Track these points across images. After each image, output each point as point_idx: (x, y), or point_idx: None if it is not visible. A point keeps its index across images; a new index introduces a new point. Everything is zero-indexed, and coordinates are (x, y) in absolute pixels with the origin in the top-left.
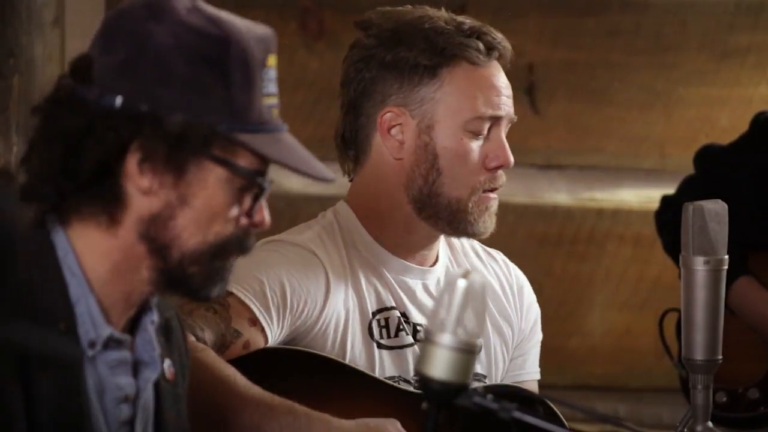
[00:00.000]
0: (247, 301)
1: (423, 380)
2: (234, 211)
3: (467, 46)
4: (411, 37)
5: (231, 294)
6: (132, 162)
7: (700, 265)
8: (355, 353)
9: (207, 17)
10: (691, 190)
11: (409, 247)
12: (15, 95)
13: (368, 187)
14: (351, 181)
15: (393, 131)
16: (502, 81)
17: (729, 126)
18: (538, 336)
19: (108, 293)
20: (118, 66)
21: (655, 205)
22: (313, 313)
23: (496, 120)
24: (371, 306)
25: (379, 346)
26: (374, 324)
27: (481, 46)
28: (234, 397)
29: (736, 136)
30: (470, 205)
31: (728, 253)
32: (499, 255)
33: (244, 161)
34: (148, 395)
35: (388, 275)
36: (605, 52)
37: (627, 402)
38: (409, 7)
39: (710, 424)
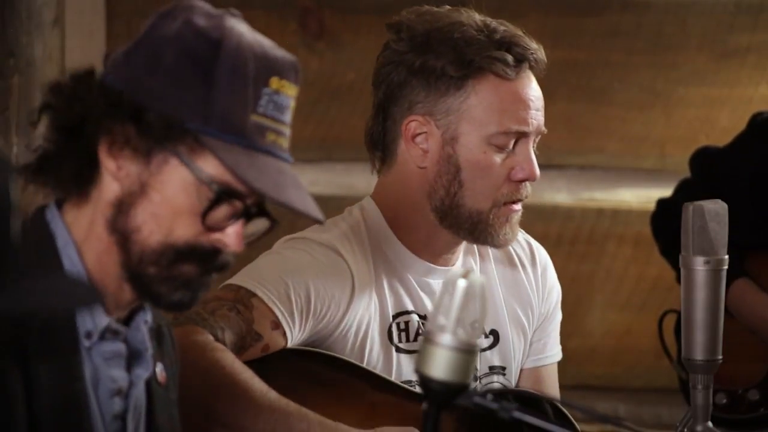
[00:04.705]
0: (271, 305)
1: (423, 380)
2: (198, 219)
3: (496, 59)
4: (440, 45)
5: (255, 296)
6: (104, 142)
7: (700, 265)
8: (373, 356)
9: (216, 24)
10: (687, 193)
11: (432, 250)
12: (15, 95)
13: (393, 191)
14: (379, 176)
15: (418, 139)
16: (532, 94)
17: (729, 126)
18: (559, 317)
19: (103, 285)
20: (125, 51)
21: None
22: (335, 318)
23: (522, 134)
24: (392, 309)
25: (398, 350)
26: (394, 327)
27: (510, 58)
28: (249, 402)
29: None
30: (491, 217)
31: None
32: (521, 235)
33: (210, 168)
34: (140, 392)
35: (411, 278)
36: (605, 52)
37: (627, 402)
38: (446, 8)
39: (710, 424)
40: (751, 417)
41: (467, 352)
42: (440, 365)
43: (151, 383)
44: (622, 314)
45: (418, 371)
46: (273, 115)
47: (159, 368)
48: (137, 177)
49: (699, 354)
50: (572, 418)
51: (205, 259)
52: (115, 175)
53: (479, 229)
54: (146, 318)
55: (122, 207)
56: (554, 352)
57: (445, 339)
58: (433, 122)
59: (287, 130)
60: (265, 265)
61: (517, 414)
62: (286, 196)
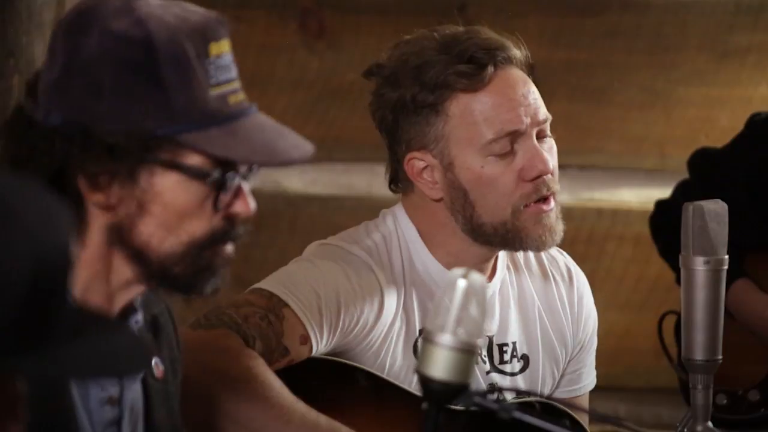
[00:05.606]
0: (302, 317)
1: (423, 380)
2: (206, 208)
3: (458, 75)
4: (406, 77)
5: (287, 306)
6: (82, 180)
7: (700, 265)
8: (395, 370)
9: (133, 19)
10: (685, 194)
11: (464, 264)
12: (15, 95)
13: (421, 216)
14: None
15: (425, 174)
16: (512, 92)
17: (729, 126)
18: (595, 344)
19: (88, 297)
20: (54, 83)
21: None
22: (362, 333)
23: (515, 133)
24: (419, 324)
25: None
26: (420, 342)
27: (472, 68)
28: (279, 412)
29: None
30: (516, 223)
31: None
32: (561, 258)
33: (196, 160)
34: (134, 395)
35: None
36: (605, 52)
37: (627, 402)
38: (418, 32)
39: (710, 424)
40: (752, 418)
41: (467, 352)
42: (440, 365)
43: (147, 381)
44: (621, 314)
45: (418, 371)
46: (224, 78)
47: (155, 362)
48: (130, 198)
49: (699, 354)
50: (584, 424)
51: (224, 236)
52: (105, 205)
53: (509, 239)
54: (137, 318)
55: (123, 230)
56: (588, 381)
57: (445, 339)
58: (429, 154)
59: (239, 82)
60: (298, 274)
61: (517, 414)
62: (282, 154)
